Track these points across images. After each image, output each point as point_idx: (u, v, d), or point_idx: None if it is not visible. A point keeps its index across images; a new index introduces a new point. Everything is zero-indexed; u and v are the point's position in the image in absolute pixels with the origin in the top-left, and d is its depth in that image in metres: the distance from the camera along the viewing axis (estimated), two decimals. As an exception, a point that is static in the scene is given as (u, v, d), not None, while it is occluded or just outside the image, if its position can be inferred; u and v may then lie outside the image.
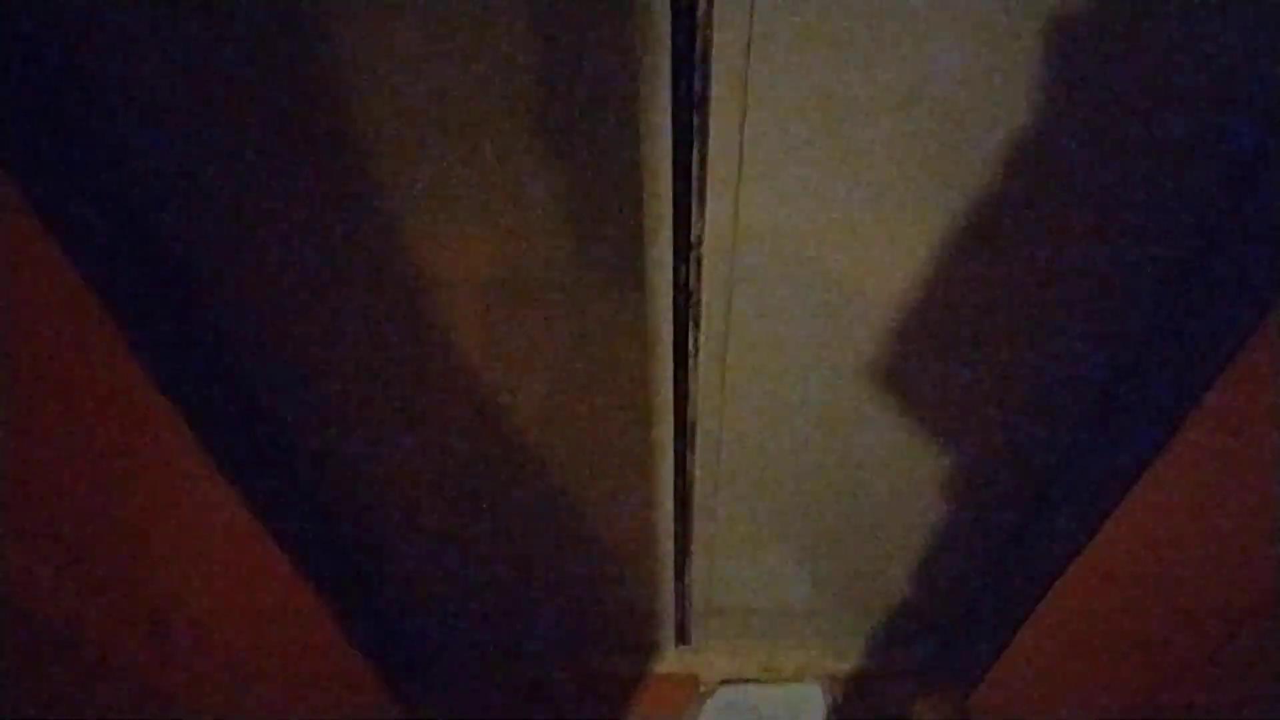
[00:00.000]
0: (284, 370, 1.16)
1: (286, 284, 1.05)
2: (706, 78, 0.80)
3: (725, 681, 1.87)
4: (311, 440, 1.27)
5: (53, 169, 0.84)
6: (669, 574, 1.64)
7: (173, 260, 1.00)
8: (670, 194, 0.91)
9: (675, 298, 1.01)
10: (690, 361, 1.11)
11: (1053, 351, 1.19)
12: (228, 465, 1.13)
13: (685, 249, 0.95)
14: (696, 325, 1.05)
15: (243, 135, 0.90)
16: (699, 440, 1.25)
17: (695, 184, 0.89)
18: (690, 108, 0.81)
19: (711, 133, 0.86)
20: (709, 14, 0.74)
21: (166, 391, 1.02)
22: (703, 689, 1.86)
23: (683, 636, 1.86)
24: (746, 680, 1.87)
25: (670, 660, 1.89)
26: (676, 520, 1.46)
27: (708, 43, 0.76)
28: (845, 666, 1.88)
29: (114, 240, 0.91)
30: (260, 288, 1.05)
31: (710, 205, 0.93)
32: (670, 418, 1.22)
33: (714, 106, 0.84)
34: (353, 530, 1.48)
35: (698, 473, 1.32)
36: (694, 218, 0.93)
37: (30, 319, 0.83)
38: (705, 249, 0.98)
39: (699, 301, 1.03)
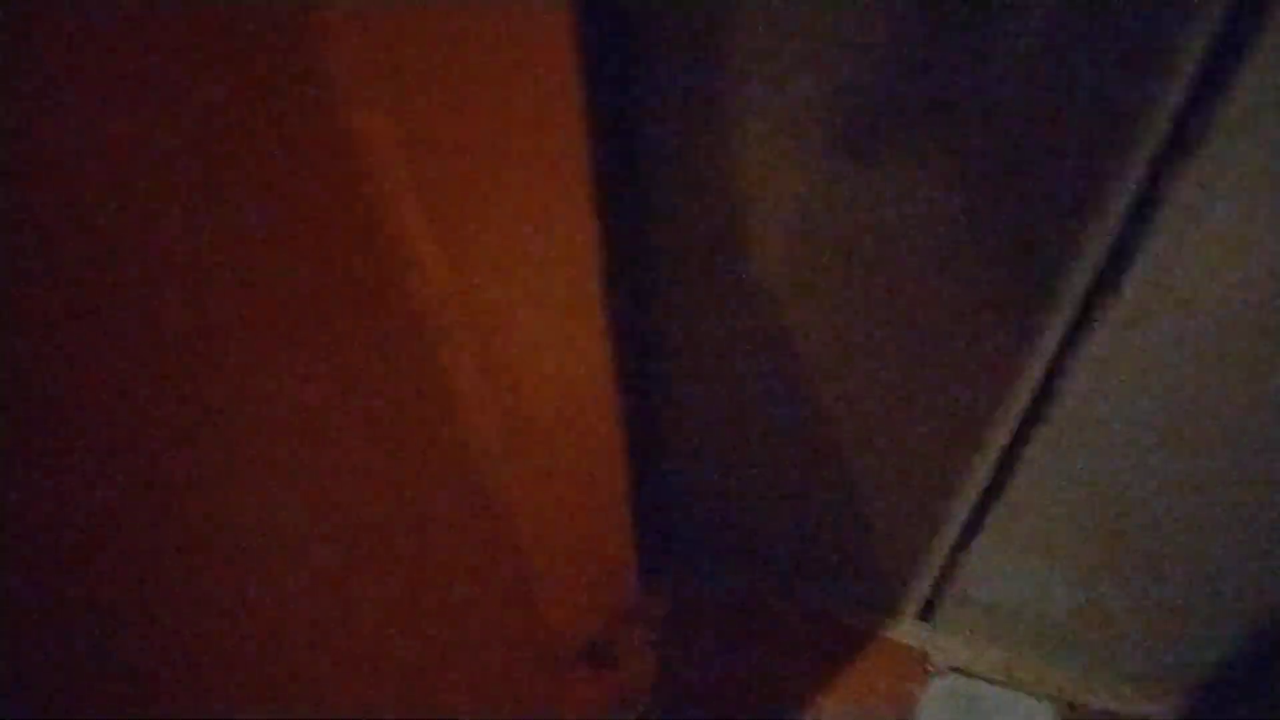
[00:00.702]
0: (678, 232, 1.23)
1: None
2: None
3: (956, 670, 1.81)
4: (663, 296, 1.33)
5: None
6: (942, 545, 1.60)
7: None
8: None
9: (1107, 254, 0.96)
10: (1084, 330, 1.05)
11: None
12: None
13: (1147, 203, 0.90)
14: (1116, 292, 0.99)
15: None
16: (1051, 415, 1.20)
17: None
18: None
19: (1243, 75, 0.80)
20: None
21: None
22: (930, 669, 1.82)
23: (926, 612, 1.82)
24: (978, 676, 1.81)
25: (905, 631, 1.85)
26: (982, 493, 1.42)
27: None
28: (1088, 698, 1.76)
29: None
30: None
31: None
32: (1030, 376, 1.17)
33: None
34: (661, 402, 1.55)
35: (1035, 449, 1.26)
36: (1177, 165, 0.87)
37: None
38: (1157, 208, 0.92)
39: (1125, 269, 0.98)
